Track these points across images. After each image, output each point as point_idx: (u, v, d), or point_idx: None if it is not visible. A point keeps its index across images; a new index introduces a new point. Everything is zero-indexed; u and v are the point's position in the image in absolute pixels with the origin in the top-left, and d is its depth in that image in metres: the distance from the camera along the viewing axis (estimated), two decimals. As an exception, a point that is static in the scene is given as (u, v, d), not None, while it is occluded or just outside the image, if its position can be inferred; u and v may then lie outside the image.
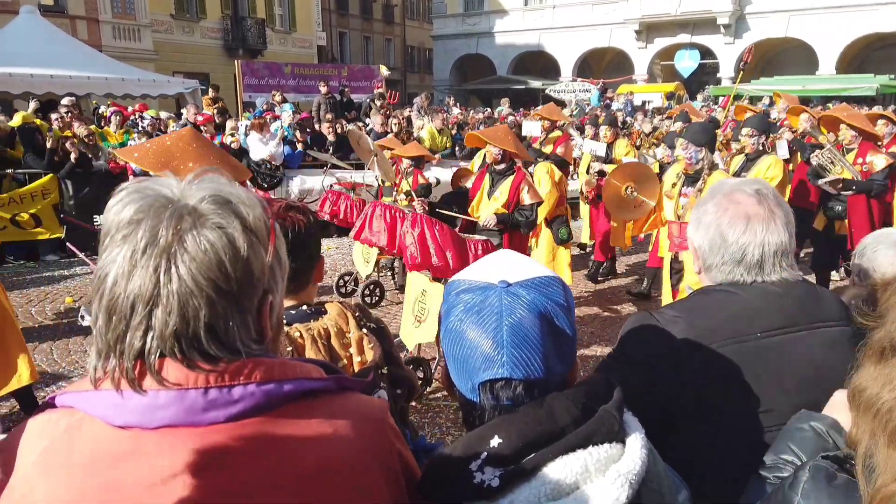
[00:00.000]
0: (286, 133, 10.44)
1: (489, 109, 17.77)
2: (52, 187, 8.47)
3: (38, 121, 9.50)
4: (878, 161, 5.77)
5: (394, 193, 6.82)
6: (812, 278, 5.96)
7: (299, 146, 10.31)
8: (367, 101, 14.25)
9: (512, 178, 5.16)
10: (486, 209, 5.22)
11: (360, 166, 9.23)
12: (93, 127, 9.65)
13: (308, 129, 10.85)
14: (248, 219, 0.84)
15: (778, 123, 9.97)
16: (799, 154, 7.56)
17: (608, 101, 19.10)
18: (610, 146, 7.60)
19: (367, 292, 6.62)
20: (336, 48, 36.16)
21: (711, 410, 1.36)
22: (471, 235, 4.90)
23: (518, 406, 0.95)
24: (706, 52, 27.72)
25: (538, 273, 1.01)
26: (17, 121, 9.05)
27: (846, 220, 5.92)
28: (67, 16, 20.26)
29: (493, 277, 1.00)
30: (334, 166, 9.04)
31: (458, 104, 18.84)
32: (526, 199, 5.09)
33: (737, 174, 5.50)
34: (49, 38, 14.18)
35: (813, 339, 1.38)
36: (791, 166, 7.85)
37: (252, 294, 0.85)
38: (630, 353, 1.46)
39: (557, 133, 8.46)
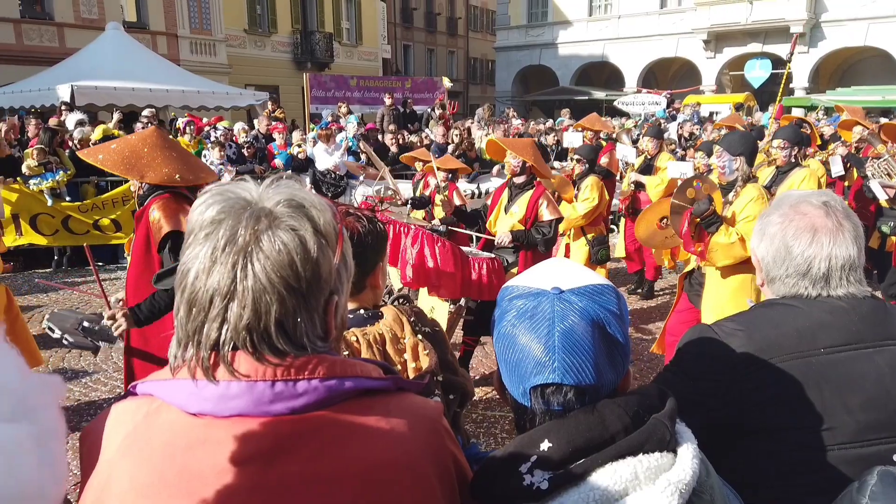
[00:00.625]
0: (350, 144, 10.69)
1: (551, 121, 17.67)
2: (131, 194, 8.92)
3: (117, 132, 10.06)
4: None
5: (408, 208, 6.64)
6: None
7: (363, 157, 10.54)
8: (428, 111, 14.45)
9: (531, 192, 4.86)
10: (503, 225, 4.95)
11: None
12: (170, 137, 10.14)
13: (372, 140, 11.08)
14: (319, 222, 0.89)
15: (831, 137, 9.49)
16: (855, 170, 7.18)
17: (674, 111, 18.69)
18: (653, 158, 7.31)
19: (395, 304, 6.63)
20: (400, 60, 36.78)
21: (771, 427, 1.33)
22: (478, 253, 4.69)
23: (569, 411, 0.96)
24: (778, 62, 26.75)
25: (591, 281, 1.03)
26: (97, 134, 9.60)
27: None
28: (149, 31, 21.36)
29: (546, 284, 1.02)
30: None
31: (518, 115, 18.81)
32: (545, 214, 4.79)
33: (768, 188, 5.13)
34: (131, 53, 14.99)
35: (881, 357, 1.33)
36: (847, 183, 7.47)
37: (319, 293, 0.89)
38: (687, 365, 1.44)
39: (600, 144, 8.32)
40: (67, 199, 8.72)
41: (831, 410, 1.30)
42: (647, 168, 7.30)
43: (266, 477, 0.84)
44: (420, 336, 1.72)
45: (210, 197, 0.90)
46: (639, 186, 7.28)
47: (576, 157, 6.50)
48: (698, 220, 4.11)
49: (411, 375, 1.65)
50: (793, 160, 5.27)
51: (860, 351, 1.33)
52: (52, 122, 10.14)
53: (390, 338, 1.68)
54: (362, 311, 1.72)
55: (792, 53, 11.10)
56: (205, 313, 0.86)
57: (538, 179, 4.98)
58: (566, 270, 1.06)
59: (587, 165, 6.37)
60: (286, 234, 0.86)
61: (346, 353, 1.60)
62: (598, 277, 1.05)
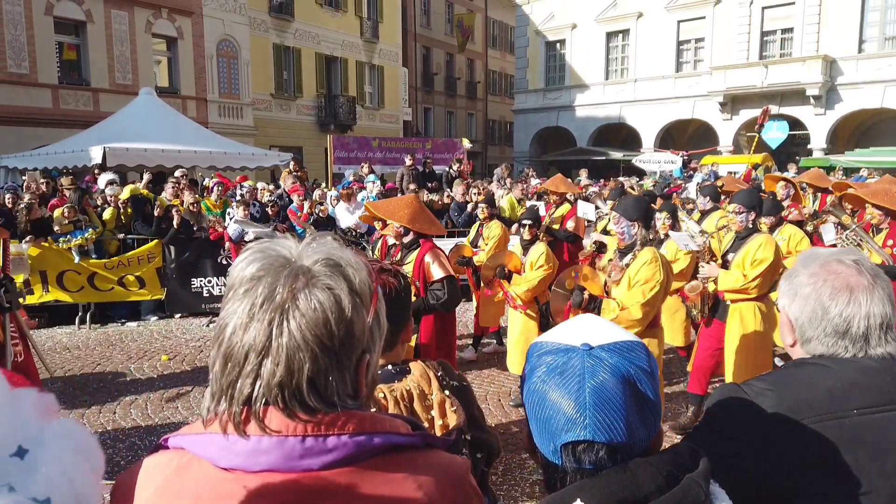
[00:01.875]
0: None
1: (569, 180, 17.85)
2: (157, 252, 9.11)
3: (145, 191, 10.35)
4: None
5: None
6: None
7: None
8: (447, 170, 14.73)
9: (416, 251, 4.56)
10: None
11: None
12: (197, 196, 10.41)
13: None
14: (354, 282, 0.91)
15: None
16: None
17: (691, 172, 18.80)
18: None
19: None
20: (421, 122, 37.69)
21: (803, 490, 1.29)
22: None
23: (600, 470, 0.95)
24: (795, 123, 26.97)
25: (621, 337, 1.03)
26: (126, 194, 9.89)
27: None
28: (180, 96, 22.20)
29: (576, 340, 1.02)
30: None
31: (537, 175, 19.06)
32: (435, 274, 4.40)
33: (725, 254, 5.08)
34: (162, 116, 15.54)
35: None
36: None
37: (352, 352, 0.91)
38: (717, 426, 1.41)
39: (566, 207, 8.15)
40: (94, 256, 8.91)
41: (866, 474, 1.26)
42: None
43: None
44: (447, 392, 1.70)
45: (251, 254, 0.93)
46: (601, 247, 6.97)
47: (524, 221, 6.20)
48: (578, 310, 4.28)
49: (438, 433, 1.63)
50: (750, 225, 5.01)
51: (894, 413, 1.30)
52: (66, 181, 10.44)
53: (418, 394, 1.67)
54: (390, 367, 1.72)
55: (762, 125, 11.37)
56: (239, 368, 0.87)
57: (424, 238, 4.67)
58: (596, 326, 1.07)
59: (536, 230, 6.10)
60: (322, 293, 0.88)
61: (374, 409, 1.60)
62: (627, 334, 1.05)
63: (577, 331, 1.06)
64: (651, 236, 4.47)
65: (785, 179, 7.91)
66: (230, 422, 0.87)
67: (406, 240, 4.71)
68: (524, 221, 6.21)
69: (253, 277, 0.89)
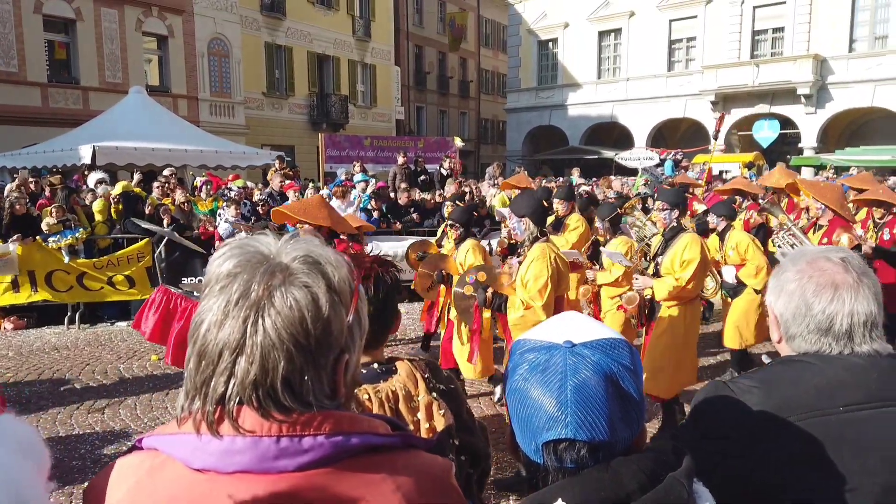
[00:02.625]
0: (364, 201, 10.85)
1: (560, 178, 17.87)
2: (147, 251, 9.05)
3: (137, 189, 10.29)
4: (844, 241, 5.05)
5: None
6: None
7: (375, 214, 10.67)
8: (438, 169, 14.71)
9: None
10: None
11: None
12: (188, 195, 10.36)
13: (384, 198, 11.24)
14: (333, 280, 0.89)
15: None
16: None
17: (683, 170, 18.84)
18: (562, 220, 6.91)
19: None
20: (413, 121, 37.65)
21: (790, 487, 1.28)
22: None
23: (582, 469, 0.94)
24: (786, 122, 27.10)
25: (604, 335, 1.02)
26: (118, 189, 9.83)
27: None
28: (171, 95, 22.08)
29: (559, 337, 1.01)
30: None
31: (529, 174, 19.07)
32: None
33: (655, 257, 5.05)
34: (152, 115, 15.45)
35: None
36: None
37: (328, 352, 0.89)
38: (703, 424, 1.41)
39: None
40: (83, 256, 8.85)
41: (850, 472, 1.26)
42: (556, 228, 6.84)
43: None
44: (435, 395, 1.65)
45: (229, 250, 0.91)
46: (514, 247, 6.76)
47: (449, 222, 5.81)
48: (488, 309, 4.32)
49: (425, 436, 1.59)
50: (674, 223, 4.92)
51: (880, 410, 1.30)
52: (55, 179, 10.36)
53: (403, 395, 1.62)
54: (376, 366, 1.68)
55: (718, 131, 11.49)
56: (213, 366, 0.85)
57: (341, 237, 4.93)
58: (578, 324, 1.05)
59: (462, 230, 5.59)
60: (299, 291, 0.86)
61: (358, 411, 1.57)
62: (610, 331, 1.04)
63: (559, 328, 1.04)
64: (539, 233, 4.36)
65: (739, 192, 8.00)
66: (203, 421, 0.85)
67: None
68: (449, 222, 5.84)
69: (229, 274, 0.87)
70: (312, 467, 0.85)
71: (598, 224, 6.45)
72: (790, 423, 1.30)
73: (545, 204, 4.72)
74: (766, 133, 26.46)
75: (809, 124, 26.56)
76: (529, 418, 0.97)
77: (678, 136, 31.64)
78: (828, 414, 1.29)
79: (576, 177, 16.74)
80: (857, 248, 4.99)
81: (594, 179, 17.32)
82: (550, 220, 7.08)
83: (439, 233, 7.76)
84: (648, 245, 5.52)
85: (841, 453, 1.27)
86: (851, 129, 28.22)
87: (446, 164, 14.11)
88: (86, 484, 0.97)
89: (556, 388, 0.95)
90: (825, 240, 5.22)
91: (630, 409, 0.97)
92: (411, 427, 1.62)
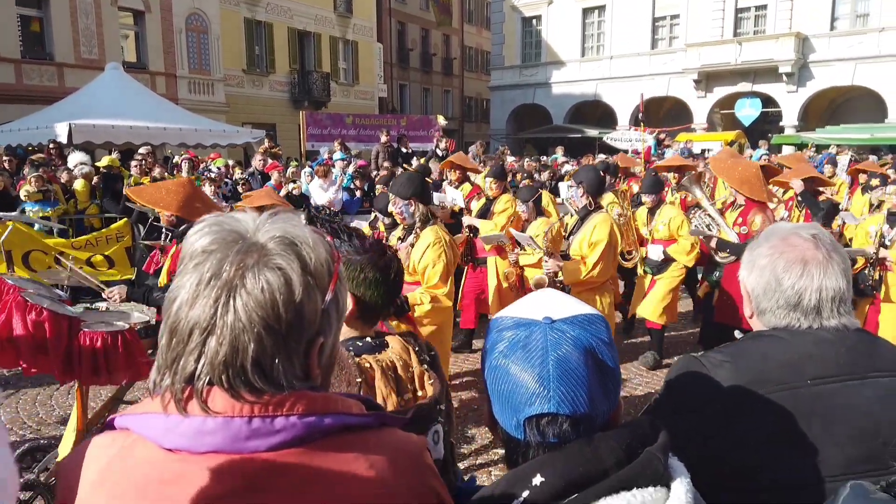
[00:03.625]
0: (346, 180, 10.77)
1: (544, 157, 17.86)
2: (126, 231, 8.92)
3: (117, 163, 10.13)
4: (757, 222, 4.93)
5: None
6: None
7: (357, 193, 10.60)
8: (433, 149, 14.58)
9: None
10: None
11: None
12: (167, 175, 10.21)
13: (366, 177, 11.17)
14: (309, 261, 0.87)
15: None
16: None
17: (665, 149, 18.91)
18: (492, 201, 6.60)
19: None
20: (396, 99, 37.33)
21: (760, 459, 1.31)
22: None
23: (564, 443, 0.94)
24: (768, 101, 27.26)
25: (581, 310, 1.02)
26: (104, 162, 9.66)
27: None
28: (148, 71, 21.66)
29: (537, 314, 1.01)
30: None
31: (513, 153, 19.04)
32: None
33: (569, 236, 4.92)
34: (129, 92, 15.17)
35: (867, 389, 1.32)
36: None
37: (301, 336, 0.87)
38: (676, 398, 1.43)
39: (468, 187, 7.56)
40: (57, 235, 8.73)
41: (819, 443, 1.28)
42: (487, 211, 6.64)
43: None
44: (425, 366, 1.76)
45: (205, 226, 0.89)
46: (474, 231, 6.59)
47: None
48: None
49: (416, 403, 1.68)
50: (584, 202, 4.79)
51: (847, 383, 1.32)
52: (38, 157, 10.21)
53: (401, 365, 1.71)
54: (369, 339, 1.75)
55: (641, 112, 11.50)
56: (184, 344, 0.84)
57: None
58: (556, 301, 1.05)
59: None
60: (272, 273, 0.84)
61: (360, 379, 1.60)
62: (587, 307, 1.04)
63: (537, 305, 1.04)
64: (429, 215, 4.12)
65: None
66: (172, 399, 0.84)
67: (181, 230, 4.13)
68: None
69: (204, 251, 0.86)
70: (285, 447, 0.85)
71: (520, 207, 6.15)
72: (760, 396, 1.32)
73: (428, 181, 4.50)
74: (747, 111, 26.61)
75: (791, 103, 26.73)
76: (510, 395, 0.97)
77: (661, 114, 31.71)
78: (796, 387, 1.32)
79: (559, 155, 16.74)
80: None
81: (578, 158, 17.34)
82: (482, 202, 6.80)
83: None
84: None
85: (810, 426, 1.29)
86: (832, 107, 28.45)
87: (443, 144, 13.92)
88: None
89: (537, 363, 0.95)
90: (740, 219, 5.05)
91: (608, 382, 0.98)
92: (409, 395, 1.68)
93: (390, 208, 4.42)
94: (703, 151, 19.26)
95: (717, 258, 5.11)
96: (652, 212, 6.28)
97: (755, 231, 4.78)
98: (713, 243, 5.10)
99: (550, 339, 0.97)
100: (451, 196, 7.13)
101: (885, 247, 5.08)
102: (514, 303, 1.10)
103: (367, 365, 1.64)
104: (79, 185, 9.26)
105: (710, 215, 5.36)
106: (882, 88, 24.94)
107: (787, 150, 22.02)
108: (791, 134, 25.10)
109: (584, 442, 0.93)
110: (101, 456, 0.90)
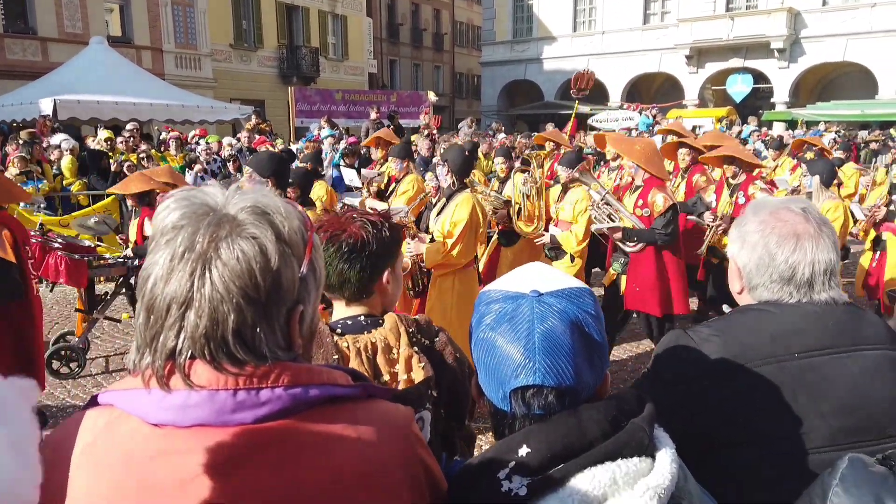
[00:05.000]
0: (336, 157, 10.70)
1: (535, 134, 17.78)
2: (114, 208, 8.84)
3: (110, 134, 10.01)
4: (659, 202, 4.59)
5: None
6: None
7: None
8: (420, 125, 14.51)
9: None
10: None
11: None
12: (153, 151, 10.10)
13: (356, 154, 11.08)
14: (283, 230, 0.87)
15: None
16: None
17: (656, 125, 18.88)
18: (503, 182, 6.21)
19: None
20: (386, 75, 36.95)
21: (747, 432, 1.32)
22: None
23: (549, 415, 0.95)
24: (759, 77, 27.19)
25: (569, 284, 1.02)
26: (102, 137, 9.53)
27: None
28: (133, 46, 21.31)
29: (525, 287, 1.01)
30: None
31: (504, 129, 18.94)
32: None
33: (438, 214, 4.50)
34: (115, 67, 14.93)
35: (853, 362, 1.33)
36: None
37: (280, 304, 0.87)
38: (663, 372, 1.44)
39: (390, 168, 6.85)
40: (45, 211, 8.64)
41: (805, 415, 1.30)
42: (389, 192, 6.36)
43: (226, 488, 0.82)
44: (416, 348, 1.67)
45: (174, 202, 0.88)
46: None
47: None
48: None
49: (402, 387, 1.62)
50: (450, 180, 4.51)
51: (833, 356, 1.34)
52: (24, 134, 10.07)
53: (382, 347, 1.65)
54: (362, 318, 1.70)
55: (581, 89, 11.49)
56: (162, 321, 0.84)
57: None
58: (543, 274, 1.06)
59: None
60: (246, 242, 0.84)
61: (336, 357, 1.58)
62: (574, 281, 1.04)
63: (525, 278, 1.05)
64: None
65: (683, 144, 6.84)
66: (153, 375, 0.84)
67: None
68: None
69: (174, 226, 0.85)
70: (271, 419, 0.85)
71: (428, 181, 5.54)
72: (747, 369, 1.34)
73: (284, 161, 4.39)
74: (739, 87, 26.56)
75: (782, 79, 26.69)
76: (497, 366, 0.98)
77: (653, 91, 31.59)
78: (783, 361, 1.33)
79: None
80: (672, 208, 4.60)
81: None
82: (494, 184, 6.47)
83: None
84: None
85: (796, 398, 1.31)
86: (823, 83, 28.44)
87: (425, 119, 13.83)
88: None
89: (523, 335, 0.95)
90: (641, 202, 4.75)
91: (594, 355, 0.98)
92: (386, 378, 1.64)
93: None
94: (694, 128, 19.25)
95: (626, 248, 4.79)
96: (565, 187, 5.69)
97: (658, 212, 4.58)
98: (617, 235, 4.77)
99: (537, 311, 0.97)
100: (348, 176, 6.71)
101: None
102: (504, 276, 1.10)
103: (345, 345, 1.61)
104: (65, 162, 9.14)
105: (609, 205, 4.87)
106: (873, 64, 24.93)
107: (778, 127, 22.04)
108: (782, 110, 25.09)
109: (569, 413, 0.94)
110: (85, 432, 0.89)
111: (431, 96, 17.36)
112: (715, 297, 5.84)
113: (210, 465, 0.82)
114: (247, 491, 0.82)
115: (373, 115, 13.69)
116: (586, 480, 0.89)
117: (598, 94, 31.84)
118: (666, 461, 0.92)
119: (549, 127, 17.46)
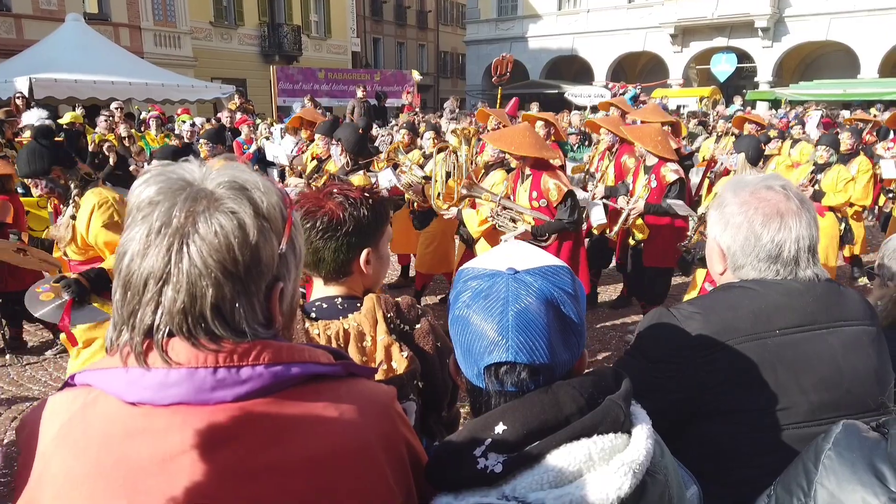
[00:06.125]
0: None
1: (522, 112, 17.71)
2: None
3: (81, 119, 9.81)
4: (553, 187, 4.47)
5: None
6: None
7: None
8: (402, 106, 14.42)
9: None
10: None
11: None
12: (134, 131, 9.93)
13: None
14: (261, 205, 0.86)
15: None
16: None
17: (641, 104, 18.88)
18: (323, 160, 5.98)
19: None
20: (370, 54, 36.52)
21: (727, 409, 1.34)
22: None
23: (523, 392, 0.95)
24: (743, 56, 27.22)
25: (547, 262, 1.02)
26: (66, 119, 9.36)
27: None
28: (111, 23, 20.86)
29: (502, 265, 1.01)
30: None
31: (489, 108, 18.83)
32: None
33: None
34: (92, 45, 14.63)
35: (834, 338, 1.35)
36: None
37: (260, 279, 0.86)
38: (645, 349, 1.45)
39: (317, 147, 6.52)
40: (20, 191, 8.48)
41: (785, 391, 1.31)
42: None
43: (207, 467, 0.81)
44: (394, 336, 1.57)
45: (150, 177, 0.86)
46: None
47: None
48: None
49: (379, 377, 1.52)
50: (344, 160, 4.56)
51: (814, 332, 1.35)
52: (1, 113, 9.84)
53: (355, 335, 1.55)
54: (338, 300, 1.61)
55: (501, 75, 11.66)
56: (139, 297, 0.82)
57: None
58: (522, 252, 1.05)
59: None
60: (224, 216, 0.83)
61: (304, 342, 1.55)
62: (553, 259, 1.04)
63: (503, 256, 1.04)
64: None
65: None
66: (131, 352, 0.83)
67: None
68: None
69: (151, 202, 0.84)
70: (252, 397, 0.84)
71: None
72: (729, 346, 1.34)
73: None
74: (723, 67, 26.59)
75: (766, 58, 26.75)
76: (471, 344, 0.97)
77: (637, 70, 31.55)
78: (764, 337, 1.34)
79: (535, 111, 16.59)
80: (572, 194, 4.52)
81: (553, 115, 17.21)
82: (313, 165, 6.13)
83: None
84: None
85: (777, 374, 1.32)
86: (806, 62, 28.56)
87: (406, 99, 13.75)
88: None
89: (497, 313, 0.95)
90: (535, 193, 4.58)
91: (570, 333, 0.98)
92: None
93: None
94: (678, 108, 19.28)
95: (539, 244, 4.45)
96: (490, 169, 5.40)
97: (554, 200, 4.47)
98: (518, 233, 4.55)
99: (512, 289, 0.97)
100: (272, 153, 6.73)
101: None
102: (483, 254, 1.09)
103: (315, 332, 1.53)
104: None
105: (506, 207, 4.64)
106: (855, 44, 25.05)
107: (762, 106, 22.13)
108: (765, 90, 25.19)
109: (545, 390, 0.94)
110: (61, 412, 0.88)
111: (416, 75, 17.24)
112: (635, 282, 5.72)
113: (190, 444, 0.81)
114: (228, 470, 0.81)
115: (359, 94, 13.57)
116: (562, 457, 0.89)
117: (582, 72, 31.76)
118: (642, 437, 0.93)
119: (535, 107, 17.41)
